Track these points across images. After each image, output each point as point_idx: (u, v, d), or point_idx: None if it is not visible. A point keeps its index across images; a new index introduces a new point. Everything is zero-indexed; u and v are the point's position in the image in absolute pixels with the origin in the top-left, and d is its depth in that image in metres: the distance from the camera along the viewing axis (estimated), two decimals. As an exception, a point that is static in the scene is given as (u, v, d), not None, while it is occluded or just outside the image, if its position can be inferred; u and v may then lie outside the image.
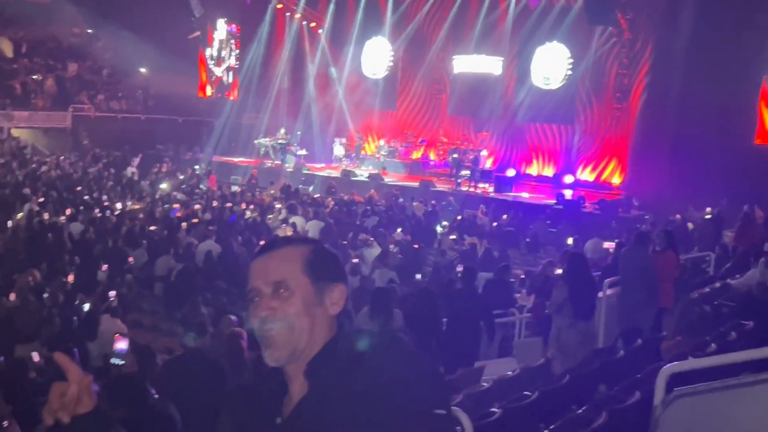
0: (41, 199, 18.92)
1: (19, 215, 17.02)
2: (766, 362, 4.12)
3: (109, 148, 30.21)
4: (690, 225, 17.47)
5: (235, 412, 1.94)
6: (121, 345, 5.84)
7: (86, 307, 10.53)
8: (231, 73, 32.80)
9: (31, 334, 9.68)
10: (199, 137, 31.82)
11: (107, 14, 32.47)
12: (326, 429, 1.71)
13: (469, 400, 6.19)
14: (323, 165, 28.54)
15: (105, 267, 13.11)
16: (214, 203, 20.56)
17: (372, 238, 15.56)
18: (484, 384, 7.19)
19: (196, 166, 28.03)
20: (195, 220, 17.67)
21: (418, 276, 12.95)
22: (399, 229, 17.16)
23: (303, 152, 28.30)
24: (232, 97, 32.24)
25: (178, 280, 13.09)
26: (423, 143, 28.31)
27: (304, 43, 31.01)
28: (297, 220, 17.49)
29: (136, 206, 20.05)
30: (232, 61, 32.77)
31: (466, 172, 24.30)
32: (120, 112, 33.77)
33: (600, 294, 9.24)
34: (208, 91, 32.67)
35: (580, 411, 5.23)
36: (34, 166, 25.69)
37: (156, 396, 5.27)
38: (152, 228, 16.55)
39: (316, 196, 22.96)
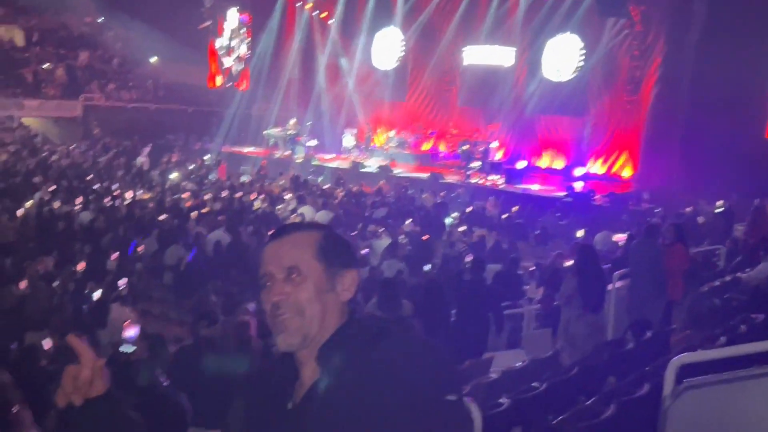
0: (52, 188, 19.00)
1: (29, 203, 17.10)
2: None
3: (120, 137, 30.29)
4: (700, 218, 17.40)
5: (247, 397, 1.94)
6: (131, 332, 5.86)
7: (96, 295, 10.59)
8: (241, 63, 32.79)
9: (41, 321, 9.74)
10: (209, 127, 31.86)
11: (118, 4, 32.55)
12: (337, 414, 1.72)
13: (478, 390, 6.19)
14: (333, 156, 28.52)
15: (115, 255, 13.17)
16: (224, 193, 20.59)
17: (381, 229, 15.57)
18: (493, 375, 7.19)
19: (206, 156, 28.07)
20: (205, 210, 17.71)
21: (427, 267, 12.96)
22: (409, 220, 17.15)
23: (313, 143, 28.28)
24: (242, 88, 32.24)
25: (188, 269, 13.14)
26: (433, 135, 28.24)
27: (314, 33, 30.96)
28: (306, 210, 17.52)
29: (146, 196, 20.11)
30: (243, 50, 32.75)
31: (476, 164, 24.24)
32: (130, 102, 33.84)
33: (609, 286, 9.23)
34: (218, 81, 32.69)
35: (589, 402, 5.23)
36: (44, 154, 25.80)
37: (166, 383, 5.30)
38: (162, 217, 16.60)
39: (326, 187, 22.97)
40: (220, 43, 32.48)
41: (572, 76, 24.95)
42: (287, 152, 27.75)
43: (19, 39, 33.93)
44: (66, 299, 10.94)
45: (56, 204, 17.03)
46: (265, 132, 29.31)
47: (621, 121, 24.00)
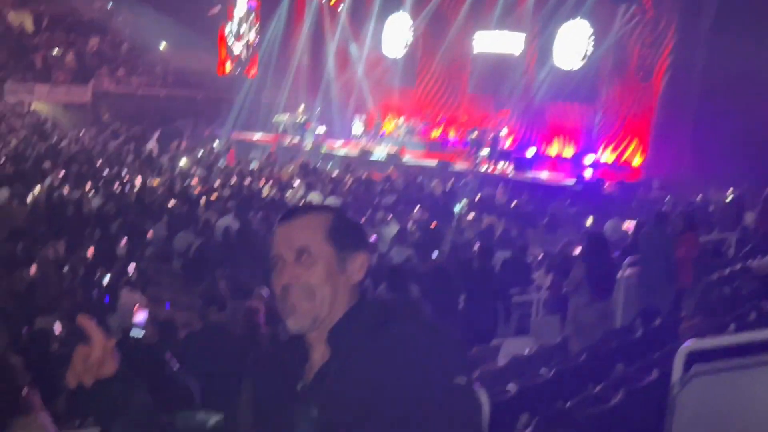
0: (61, 174, 19.06)
1: (39, 189, 17.15)
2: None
3: (129, 123, 30.35)
4: (711, 206, 17.33)
5: (257, 378, 1.95)
6: (141, 317, 5.89)
7: (106, 280, 10.63)
8: (250, 49, 32.74)
9: (51, 306, 9.79)
10: (218, 114, 31.86)
11: (127, -12, 32.55)
12: (347, 395, 1.72)
13: (486, 377, 6.20)
14: (342, 142, 28.50)
15: (124, 241, 13.22)
16: (233, 180, 20.62)
17: (390, 216, 15.57)
18: (501, 362, 7.19)
19: (215, 143, 28.08)
20: (214, 196, 17.75)
21: (435, 254, 12.94)
22: (417, 207, 17.14)
23: (322, 129, 28.25)
24: (251, 74, 32.20)
25: (197, 255, 13.18)
26: (442, 122, 28.17)
27: (324, 19, 30.86)
28: (315, 197, 17.55)
29: (156, 181, 20.15)
30: (252, 37, 32.69)
31: (485, 151, 24.18)
32: (139, 88, 33.87)
33: (618, 274, 9.21)
34: (228, 67, 32.66)
35: (597, 389, 5.23)
36: (54, 140, 25.86)
37: (176, 367, 5.34)
38: (171, 203, 16.65)
39: (335, 173, 22.96)
40: (229, 28, 32.44)
41: (583, 62, 24.82)
42: (296, 139, 27.73)
43: (29, 24, 33.98)
44: (76, 284, 10.99)
45: (66, 189, 17.09)
46: (274, 118, 29.30)
47: (631, 108, 23.87)
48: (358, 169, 23.50)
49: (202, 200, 17.07)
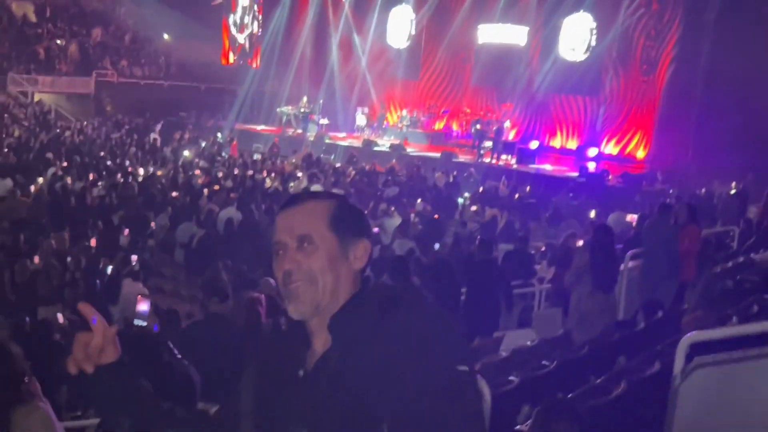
0: (64, 164, 19.07)
1: (42, 179, 17.17)
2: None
3: (132, 114, 30.35)
4: (714, 199, 17.31)
5: (258, 365, 1.94)
6: (143, 306, 5.88)
7: (109, 270, 10.63)
8: (253, 40, 32.68)
9: (54, 296, 9.81)
10: (221, 105, 31.84)
11: (131, -21, 32.50)
12: (348, 382, 1.71)
13: (488, 368, 6.20)
14: (345, 134, 28.46)
15: (127, 232, 13.22)
16: (236, 171, 20.61)
17: (393, 208, 15.56)
18: (503, 353, 7.19)
19: (218, 134, 28.07)
20: (216, 187, 17.74)
21: (437, 246, 12.93)
22: (420, 199, 17.12)
23: (325, 121, 28.23)
24: (254, 65, 32.15)
25: (199, 246, 13.18)
26: (446, 114, 28.13)
27: (327, 10, 30.80)
28: (317, 189, 17.52)
29: (159, 172, 20.16)
30: (255, 27, 32.63)
31: (488, 144, 24.15)
32: (143, 79, 33.85)
33: (621, 266, 9.19)
34: (231, 58, 32.62)
35: (599, 381, 5.22)
36: (57, 131, 25.87)
37: (178, 357, 5.34)
38: (174, 194, 16.64)
39: (338, 165, 22.94)
40: (232, 19, 32.38)
41: (587, 55, 24.77)
42: (300, 130, 27.72)
43: (32, 15, 33.96)
44: (79, 274, 11.00)
45: (68, 180, 17.09)
46: (277, 110, 29.28)
47: (635, 101, 23.83)
48: (361, 160, 23.49)
49: (205, 191, 17.07)
